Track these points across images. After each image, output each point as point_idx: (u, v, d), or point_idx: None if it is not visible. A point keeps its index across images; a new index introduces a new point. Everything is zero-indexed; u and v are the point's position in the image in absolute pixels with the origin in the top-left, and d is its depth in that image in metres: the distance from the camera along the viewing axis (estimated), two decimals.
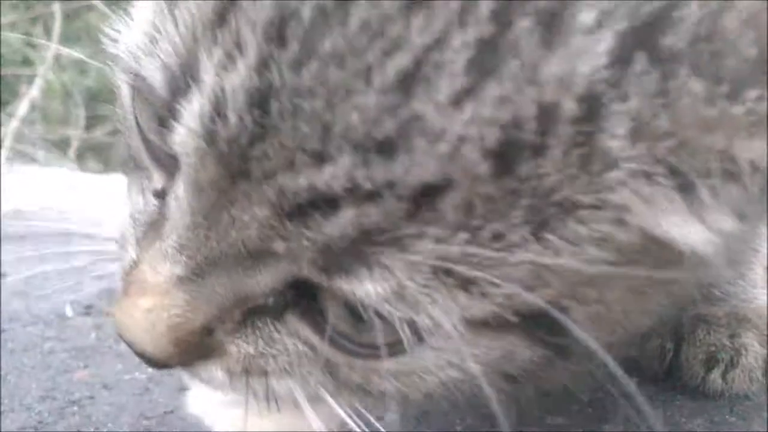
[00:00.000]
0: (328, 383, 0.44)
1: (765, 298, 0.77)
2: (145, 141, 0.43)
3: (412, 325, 0.38)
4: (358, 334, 0.40)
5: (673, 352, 0.74)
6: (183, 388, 0.71)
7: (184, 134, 0.37)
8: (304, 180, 0.35)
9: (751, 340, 0.73)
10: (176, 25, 0.38)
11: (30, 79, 3.25)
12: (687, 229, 0.37)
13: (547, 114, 0.34)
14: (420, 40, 0.33)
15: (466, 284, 0.37)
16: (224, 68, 0.35)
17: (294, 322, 0.42)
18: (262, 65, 0.35)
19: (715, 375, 0.72)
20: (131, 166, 0.46)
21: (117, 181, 1.62)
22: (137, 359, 0.75)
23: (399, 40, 0.33)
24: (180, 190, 0.40)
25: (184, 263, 0.40)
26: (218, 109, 0.36)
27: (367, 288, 0.37)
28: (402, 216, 0.35)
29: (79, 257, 1.09)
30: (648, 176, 0.36)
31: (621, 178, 0.36)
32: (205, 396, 0.53)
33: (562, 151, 0.34)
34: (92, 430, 0.63)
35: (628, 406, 0.70)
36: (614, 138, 0.35)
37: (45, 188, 1.50)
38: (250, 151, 0.36)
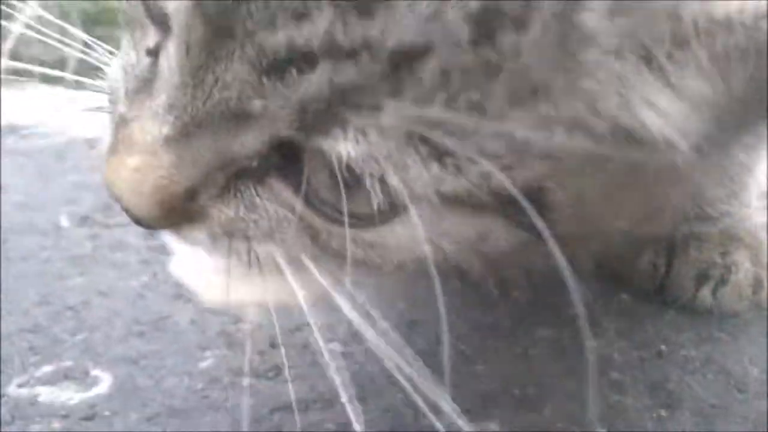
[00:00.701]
0: (308, 249, 0.45)
1: (757, 217, 0.77)
2: None
3: (386, 192, 0.38)
4: (337, 201, 0.40)
5: (665, 269, 0.74)
6: (177, 295, 0.72)
7: None
8: (282, 36, 0.35)
9: (742, 258, 0.74)
10: None
11: None
12: (657, 101, 0.36)
13: None
14: None
15: (440, 155, 0.37)
16: None
17: (276, 184, 0.42)
18: None
19: (706, 291, 0.73)
20: (128, 25, 0.46)
21: None
22: (132, 268, 0.76)
23: None
24: (171, 49, 0.40)
25: (172, 123, 0.40)
26: None
27: (341, 148, 0.37)
28: (378, 77, 0.35)
29: (76, 171, 1.10)
30: (618, 53, 0.35)
31: (594, 59, 0.35)
32: (190, 262, 0.53)
33: (542, 26, 0.34)
34: (86, 333, 0.64)
35: (619, 321, 0.71)
36: (594, 14, 0.34)
37: (41, 105, 1.49)
38: (236, 10, 0.36)
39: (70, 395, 0.56)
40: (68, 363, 0.60)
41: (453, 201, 0.39)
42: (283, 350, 0.63)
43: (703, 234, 0.75)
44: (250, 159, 0.41)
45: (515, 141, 0.36)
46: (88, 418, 0.53)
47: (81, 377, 0.58)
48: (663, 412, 0.57)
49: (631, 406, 0.58)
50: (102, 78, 0.53)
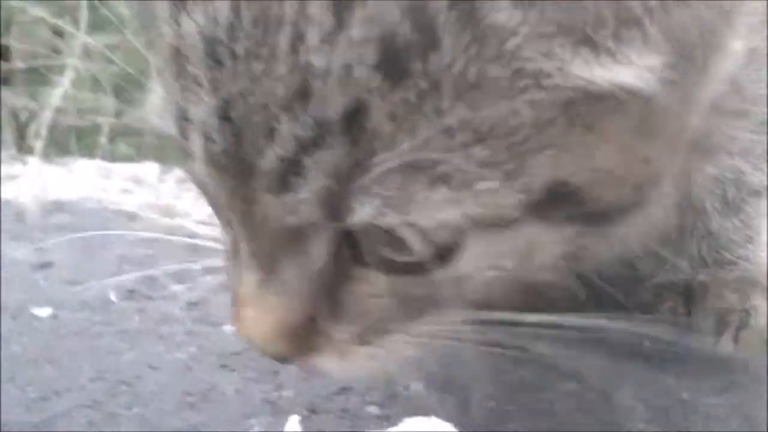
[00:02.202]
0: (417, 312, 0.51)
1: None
2: None
3: (421, 232, 0.44)
4: (397, 255, 0.46)
5: (686, 316, 0.77)
6: (222, 366, 0.76)
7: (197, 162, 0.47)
8: (271, 154, 0.42)
9: (760, 302, 0.76)
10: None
11: (60, 70, 3.31)
12: (608, 72, 0.40)
13: (415, 11, 0.38)
14: (291, 11, 0.39)
15: (442, 178, 0.42)
16: (193, 103, 0.44)
17: (361, 273, 0.49)
18: (215, 90, 0.43)
19: (727, 337, 0.75)
20: None
21: (144, 168, 1.67)
22: (178, 340, 0.81)
23: (278, 20, 0.40)
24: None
25: (256, 267, 0.48)
26: (206, 134, 0.44)
27: (361, 216, 0.43)
28: (348, 148, 0.41)
29: (120, 244, 1.15)
30: (545, 36, 0.39)
31: (519, 44, 0.39)
32: None
33: (452, 37, 0.39)
34: (141, 407, 0.69)
35: (643, 370, 0.73)
36: (501, 12, 0.39)
37: (81, 178, 1.56)
38: (234, 160, 0.44)
39: None
40: None
41: (488, 224, 0.44)
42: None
43: (721, 280, 0.77)
44: (327, 263, 0.47)
45: (499, 140, 0.41)
46: None
47: None
48: None
49: None
50: None
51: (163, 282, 0.99)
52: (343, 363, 0.52)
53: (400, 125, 0.40)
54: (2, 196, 1.35)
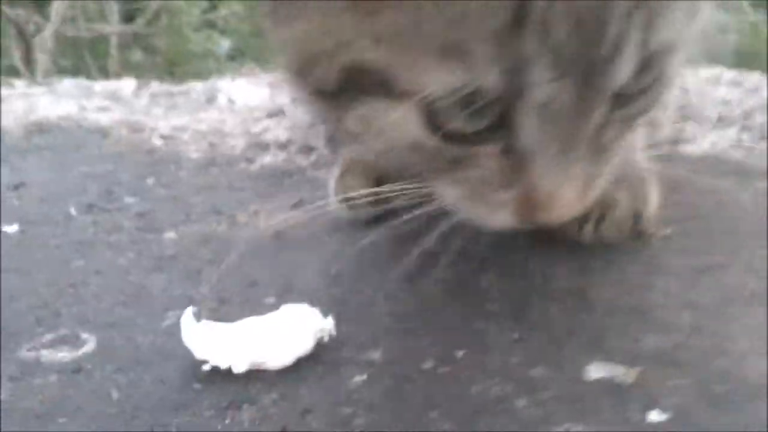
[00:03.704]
0: None
1: (640, 157, 0.88)
2: None
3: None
4: None
5: None
6: (156, 268, 0.89)
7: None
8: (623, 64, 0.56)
9: (621, 196, 0.85)
10: None
11: None
12: None
13: None
14: None
15: None
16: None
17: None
18: None
19: (588, 228, 0.85)
20: None
21: (122, 84, 1.77)
22: (123, 247, 0.94)
23: None
24: None
25: (578, 153, 0.61)
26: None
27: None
28: None
29: (86, 161, 1.28)
30: None
31: None
32: None
33: None
34: (82, 306, 0.82)
35: (507, 258, 0.83)
36: None
37: (63, 99, 1.67)
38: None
39: (64, 355, 0.73)
40: (65, 331, 0.77)
41: None
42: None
43: None
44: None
45: None
46: (76, 371, 0.70)
47: (73, 341, 0.75)
48: (516, 335, 0.70)
49: (492, 331, 0.71)
50: None
51: (118, 195, 1.11)
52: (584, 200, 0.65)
53: None
54: None
